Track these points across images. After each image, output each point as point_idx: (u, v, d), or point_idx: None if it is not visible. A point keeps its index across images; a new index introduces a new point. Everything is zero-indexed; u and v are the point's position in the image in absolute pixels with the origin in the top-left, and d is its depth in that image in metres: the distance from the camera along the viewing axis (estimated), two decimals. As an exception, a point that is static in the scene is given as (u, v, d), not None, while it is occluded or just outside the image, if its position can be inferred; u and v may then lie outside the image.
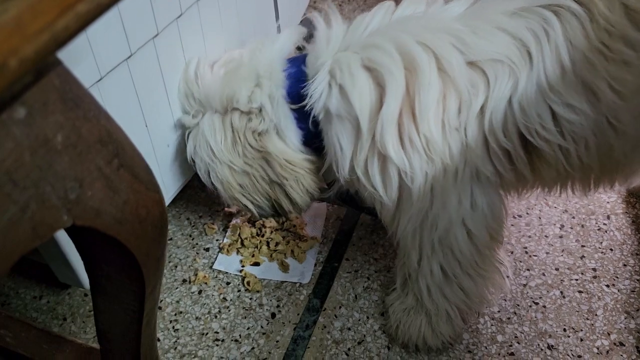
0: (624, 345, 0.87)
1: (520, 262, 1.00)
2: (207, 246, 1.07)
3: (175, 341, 0.92)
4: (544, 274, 0.98)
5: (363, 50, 0.71)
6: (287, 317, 0.95)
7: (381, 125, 0.67)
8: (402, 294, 0.89)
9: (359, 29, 0.75)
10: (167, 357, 0.90)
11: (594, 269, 0.98)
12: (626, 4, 0.62)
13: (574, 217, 1.07)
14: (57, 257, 0.80)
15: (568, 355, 0.87)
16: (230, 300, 0.98)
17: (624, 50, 0.61)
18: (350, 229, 1.07)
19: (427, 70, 0.66)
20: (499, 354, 0.87)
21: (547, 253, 1.01)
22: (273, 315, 0.95)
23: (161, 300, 0.98)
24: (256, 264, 1.02)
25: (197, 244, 1.07)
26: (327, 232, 1.07)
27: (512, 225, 1.06)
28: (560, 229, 1.05)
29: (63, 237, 0.76)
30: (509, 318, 0.92)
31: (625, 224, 1.05)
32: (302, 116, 0.78)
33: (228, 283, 1.00)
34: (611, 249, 1.01)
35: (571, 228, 1.05)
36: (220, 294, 0.99)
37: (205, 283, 1.00)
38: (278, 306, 0.96)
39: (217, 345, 0.91)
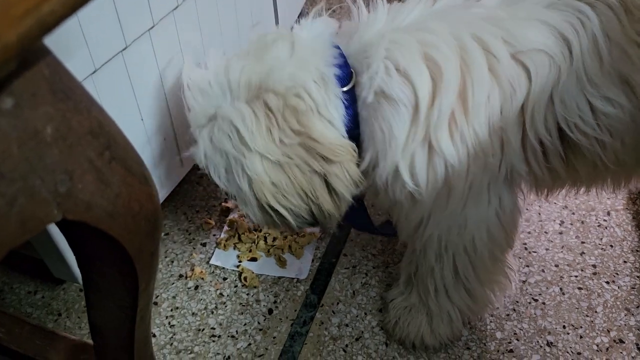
0: (624, 343, 0.87)
1: (520, 258, 0.99)
2: (203, 241, 1.06)
3: (172, 337, 0.91)
4: (543, 271, 0.97)
5: (418, 34, 0.67)
6: (285, 313, 0.94)
7: (437, 115, 0.64)
8: (405, 291, 0.88)
9: (401, 14, 0.71)
10: (163, 353, 0.89)
11: (594, 266, 0.98)
12: None
13: (573, 213, 1.06)
14: (52, 252, 0.79)
15: (567, 352, 0.86)
16: (227, 295, 0.97)
17: None
18: (349, 225, 1.06)
19: (480, 65, 0.64)
20: (498, 351, 0.87)
21: (546, 249, 1.00)
22: (270, 311, 0.94)
23: (157, 296, 0.97)
24: (253, 259, 1.01)
25: (193, 239, 1.06)
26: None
27: (511, 221, 1.05)
28: (560, 225, 1.04)
29: (57, 232, 0.75)
30: (508, 315, 0.91)
31: (625, 221, 1.04)
32: (351, 99, 0.70)
33: (225, 278, 0.99)
34: (611, 246, 1.00)
35: (571, 224, 1.04)
36: (217, 289, 0.98)
37: (202, 278, 0.99)
38: (275, 302, 0.95)
39: (213, 341, 0.91)
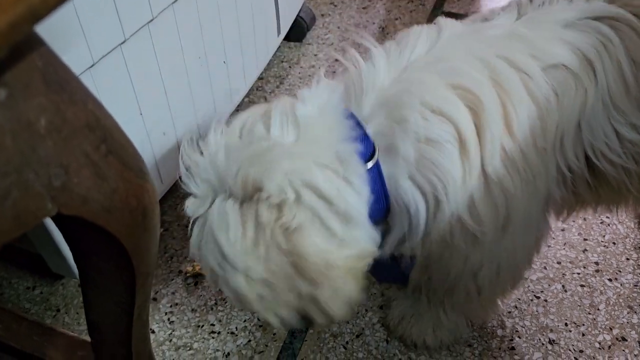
0: (626, 340, 0.86)
1: (522, 255, 0.98)
2: (203, 237, 1.05)
3: (171, 333, 0.91)
4: (545, 268, 0.96)
5: (435, 66, 0.61)
6: (285, 309, 0.93)
7: (490, 144, 0.59)
8: (411, 296, 0.86)
9: (404, 53, 0.63)
10: (162, 350, 0.89)
11: (596, 263, 0.97)
12: None
13: (576, 210, 1.05)
14: (49, 247, 0.79)
15: (569, 350, 0.86)
16: (227, 292, 0.96)
17: None
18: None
19: (515, 84, 0.59)
20: (500, 348, 0.86)
21: (548, 246, 1.00)
22: (270, 307, 0.94)
23: (156, 292, 0.96)
24: (253, 255, 1.01)
25: (193, 235, 1.06)
26: (325, 224, 1.05)
27: (513, 217, 1.04)
28: (562, 221, 1.03)
29: (54, 227, 0.75)
30: (509, 312, 0.91)
31: (628, 218, 1.04)
32: (377, 172, 0.61)
33: (224, 275, 0.99)
34: (614, 243, 1.00)
35: (573, 221, 1.04)
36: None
37: (202, 275, 0.99)
38: (275, 298, 0.95)
39: (213, 337, 0.90)
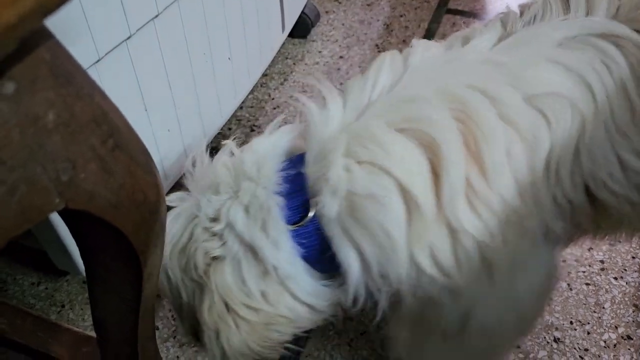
0: (632, 339, 0.86)
1: (527, 253, 0.98)
2: (207, 234, 1.05)
3: (175, 330, 0.91)
4: (550, 266, 0.96)
5: (388, 111, 0.56)
6: (289, 306, 0.93)
7: (449, 192, 0.53)
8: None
9: (364, 91, 0.59)
10: (166, 346, 0.89)
11: (602, 261, 0.97)
12: None
13: (581, 208, 1.05)
14: (54, 243, 0.78)
15: (575, 348, 0.85)
16: (231, 289, 0.96)
17: None
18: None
19: (486, 113, 0.53)
20: (504, 347, 0.86)
21: (554, 244, 0.99)
22: (274, 304, 0.93)
23: (160, 288, 0.96)
24: (257, 252, 1.00)
25: (197, 231, 1.05)
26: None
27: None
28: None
29: (59, 223, 0.75)
30: (514, 310, 0.90)
31: (634, 216, 1.03)
32: (313, 229, 0.58)
33: (229, 271, 0.99)
34: (619, 241, 0.99)
35: (579, 219, 1.03)
36: (221, 282, 0.97)
37: (206, 271, 0.99)
38: (279, 295, 0.95)
39: (217, 334, 0.90)
